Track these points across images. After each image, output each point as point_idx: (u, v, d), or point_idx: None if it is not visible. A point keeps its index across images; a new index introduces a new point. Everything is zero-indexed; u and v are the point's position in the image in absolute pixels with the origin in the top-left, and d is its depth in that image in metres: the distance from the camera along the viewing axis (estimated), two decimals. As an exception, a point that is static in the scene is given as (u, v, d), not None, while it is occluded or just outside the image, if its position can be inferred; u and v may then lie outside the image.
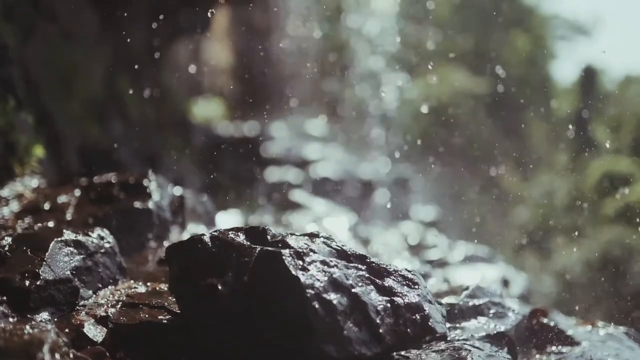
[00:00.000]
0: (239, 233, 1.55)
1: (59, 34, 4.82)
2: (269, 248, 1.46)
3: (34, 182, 2.79)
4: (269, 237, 1.55)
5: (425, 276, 2.50)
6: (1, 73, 2.89)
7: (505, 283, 4.07)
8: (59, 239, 1.71)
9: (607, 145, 19.66)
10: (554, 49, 22.87)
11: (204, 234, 1.54)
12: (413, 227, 4.65)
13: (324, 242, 1.58)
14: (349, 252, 1.56)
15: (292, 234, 1.57)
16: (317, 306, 1.35)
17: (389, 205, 7.19)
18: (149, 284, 1.78)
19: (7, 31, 3.11)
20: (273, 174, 6.56)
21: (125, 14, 6.19)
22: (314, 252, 1.50)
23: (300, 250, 1.48)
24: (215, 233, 1.52)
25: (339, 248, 1.56)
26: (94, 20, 5.75)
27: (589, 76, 20.64)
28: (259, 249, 1.47)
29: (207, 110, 9.52)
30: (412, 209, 7.47)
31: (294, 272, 1.38)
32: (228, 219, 3.07)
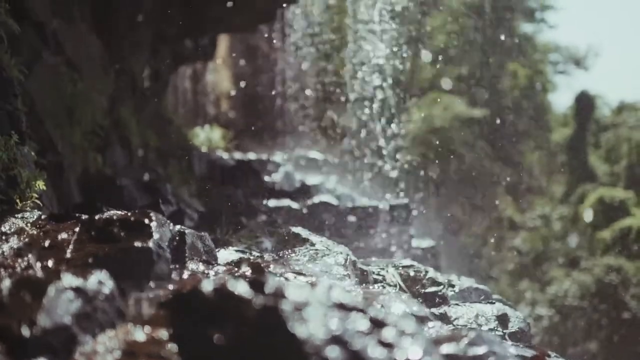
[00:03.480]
0: (238, 282, 1.56)
1: (63, 63, 4.88)
2: (268, 301, 1.46)
3: (35, 216, 2.79)
4: (268, 287, 1.55)
5: (424, 319, 2.49)
6: (6, 107, 2.92)
7: (504, 319, 4.05)
8: (58, 283, 1.71)
9: (603, 174, 19.78)
10: (551, 78, 23.19)
11: (204, 283, 1.55)
12: (411, 260, 4.64)
13: (323, 293, 1.59)
14: (348, 305, 1.56)
15: (292, 280, 1.58)
16: (316, 362, 1.35)
17: (387, 236, 7.19)
18: (147, 330, 1.77)
19: (12, 64, 3.15)
20: (273, 204, 6.57)
21: (130, 43, 6.28)
22: (313, 304, 1.51)
23: (299, 302, 1.49)
24: (216, 285, 1.53)
25: (339, 300, 1.57)
26: (98, 48, 5.82)
27: (585, 105, 20.84)
28: (258, 300, 1.47)
29: (209, 138, 9.59)
30: (411, 238, 7.46)
31: (291, 328, 1.39)
32: (228, 255, 3.07)
